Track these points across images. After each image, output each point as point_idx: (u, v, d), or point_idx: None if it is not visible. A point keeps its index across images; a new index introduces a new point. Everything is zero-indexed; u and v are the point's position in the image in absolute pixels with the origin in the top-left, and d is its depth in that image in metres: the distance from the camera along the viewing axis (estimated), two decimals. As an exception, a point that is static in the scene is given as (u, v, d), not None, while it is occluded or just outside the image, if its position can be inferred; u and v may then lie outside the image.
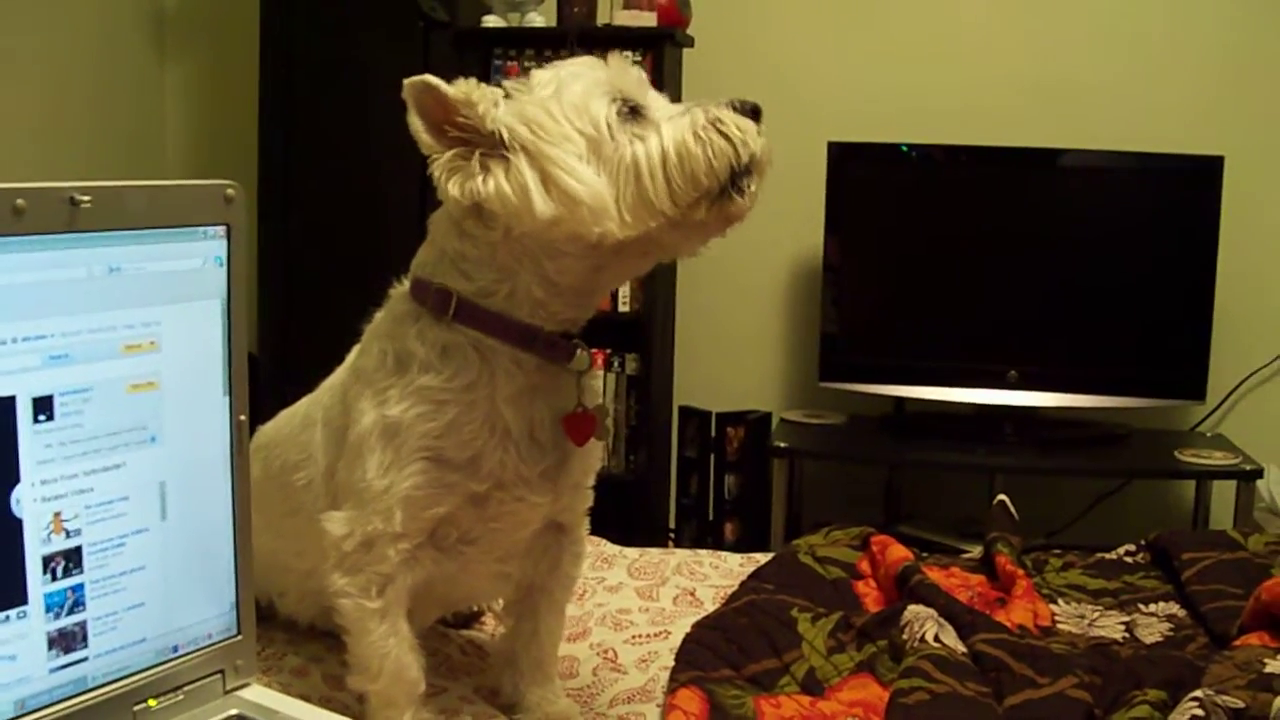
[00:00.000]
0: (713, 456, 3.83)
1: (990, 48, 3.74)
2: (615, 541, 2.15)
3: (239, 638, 1.20)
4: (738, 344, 3.97)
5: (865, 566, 2.02)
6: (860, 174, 3.59)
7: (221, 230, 1.12)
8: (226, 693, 1.18)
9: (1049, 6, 3.71)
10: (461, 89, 1.24)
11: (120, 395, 1.06)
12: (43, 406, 1.00)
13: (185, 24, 4.14)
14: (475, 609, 1.79)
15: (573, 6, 3.60)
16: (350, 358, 1.43)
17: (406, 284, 1.37)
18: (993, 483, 3.44)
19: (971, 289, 3.60)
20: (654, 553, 2.12)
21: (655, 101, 1.30)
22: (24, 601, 1.00)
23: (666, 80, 3.40)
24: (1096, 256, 3.52)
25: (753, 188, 1.28)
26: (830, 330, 3.64)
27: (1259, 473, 3.29)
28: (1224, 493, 3.41)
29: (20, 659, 1.01)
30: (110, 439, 1.06)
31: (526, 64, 3.58)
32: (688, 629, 1.71)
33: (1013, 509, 2.17)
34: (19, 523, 0.99)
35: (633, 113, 1.27)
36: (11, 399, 0.98)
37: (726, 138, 1.25)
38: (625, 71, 1.30)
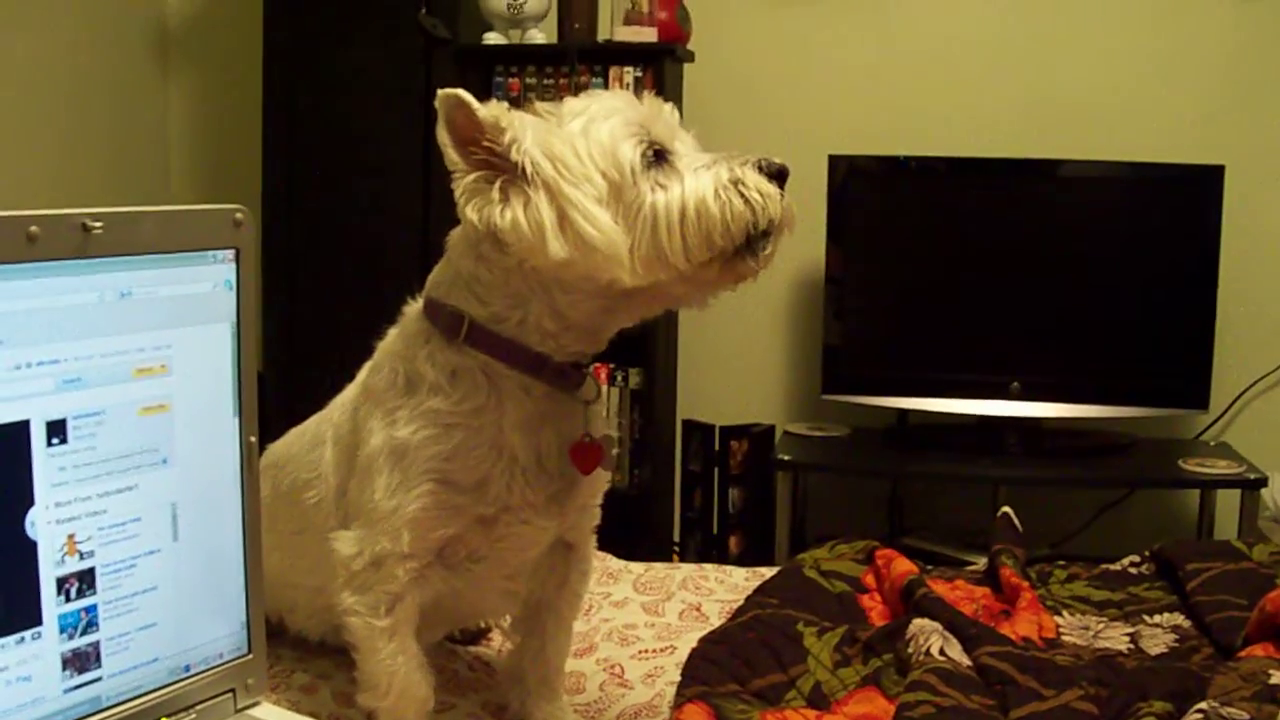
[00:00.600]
0: (716, 470, 3.83)
1: (991, 59, 3.75)
2: (619, 556, 2.16)
3: (250, 657, 1.21)
4: (741, 357, 3.98)
5: (870, 580, 2.02)
6: (862, 187, 3.61)
7: (231, 254, 1.14)
8: (238, 711, 1.19)
9: (1049, 18, 3.72)
10: (492, 112, 1.23)
11: (132, 418, 1.07)
12: (56, 430, 1.01)
13: (189, 41, 4.17)
14: (482, 625, 1.80)
15: (573, 23, 3.62)
16: (362, 375, 1.44)
17: (420, 302, 1.38)
18: (996, 494, 3.45)
19: (974, 300, 3.61)
20: (659, 568, 2.13)
21: (683, 148, 1.28)
22: (38, 622, 1.02)
23: (667, 97, 3.41)
24: (1098, 267, 3.53)
25: (768, 250, 1.27)
26: (833, 343, 3.65)
27: (1263, 481, 3.30)
28: (1228, 502, 3.42)
29: (35, 680, 1.02)
30: (122, 461, 1.07)
31: (528, 80, 3.60)
32: (694, 644, 1.71)
33: (1017, 521, 2.17)
34: (34, 545, 1.00)
35: (658, 157, 1.26)
36: (25, 423, 0.99)
37: (746, 201, 1.24)
38: (658, 113, 1.29)
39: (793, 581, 1.99)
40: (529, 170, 1.22)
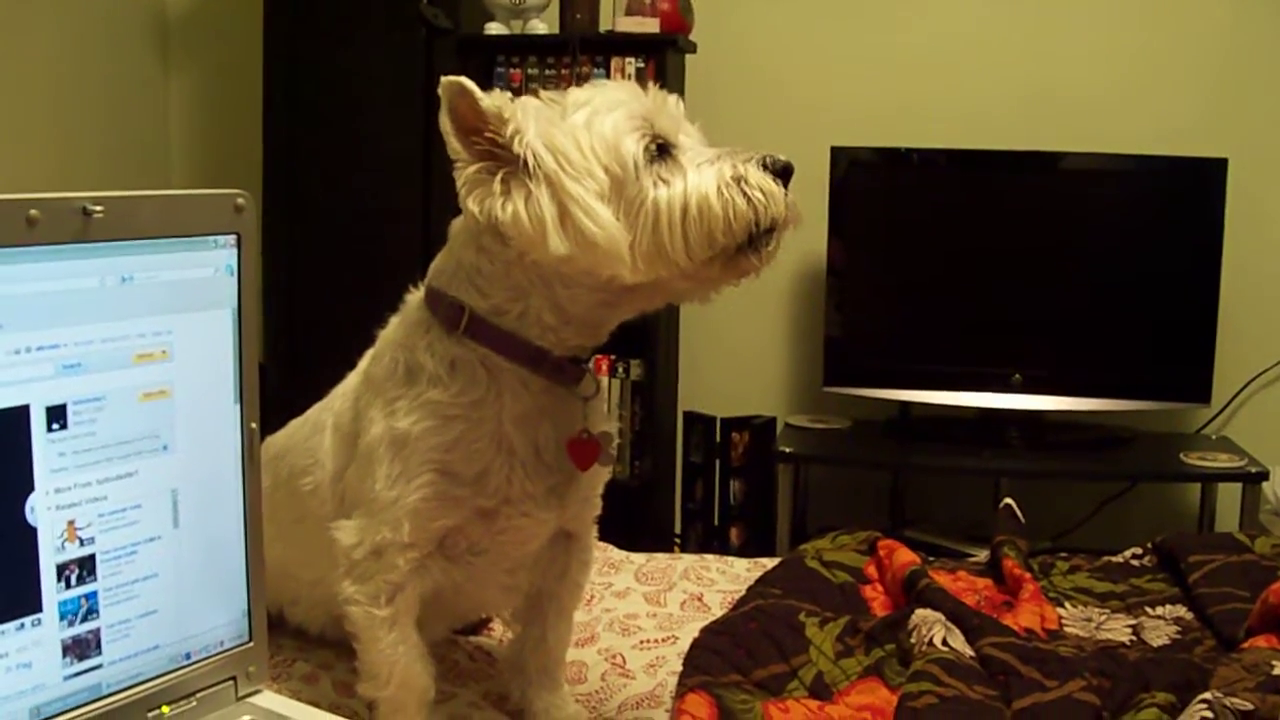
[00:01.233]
0: (718, 462, 3.83)
1: (993, 51, 3.74)
2: (620, 547, 2.15)
3: (251, 644, 1.21)
4: (742, 349, 3.98)
5: (872, 571, 2.02)
6: (864, 178, 3.60)
7: (232, 239, 1.13)
8: (239, 699, 1.19)
9: (1052, 10, 3.71)
10: (495, 102, 1.22)
11: (132, 404, 1.07)
12: (56, 415, 1.00)
13: (189, 32, 4.16)
14: (483, 615, 1.80)
15: (575, 13, 3.61)
16: (363, 363, 1.43)
17: (422, 290, 1.37)
18: (997, 486, 3.44)
19: (976, 293, 3.60)
20: (661, 558, 2.13)
21: (688, 141, 1.27)
22: (38, 609, 1.01)
23: (669, 88, 3.41)
24: (1101, 260, 3.53)
25: (771, 246, 1.27)
26: (834, 335, 3.65)
27: (1264, 475, 3.29)
28: (1229, 495, 3.41)
29: (35, 666, 1.01)
30: (123, 447, 1.06)
31: (530, 70, 3.60)
32: (695, 634, 1.71)
33: (1019, 512, 2.17)
34: (33, 531, 1.00)
35: (662, 151, 1.25)
36: (25, 408, 0.98)
37: (749, 199, 1.23)
38: (663, 106, 1.28)
39: (795, 572, 1.99)
40: (531, 163, 1.21)
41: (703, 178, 1.24)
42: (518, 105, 1.24)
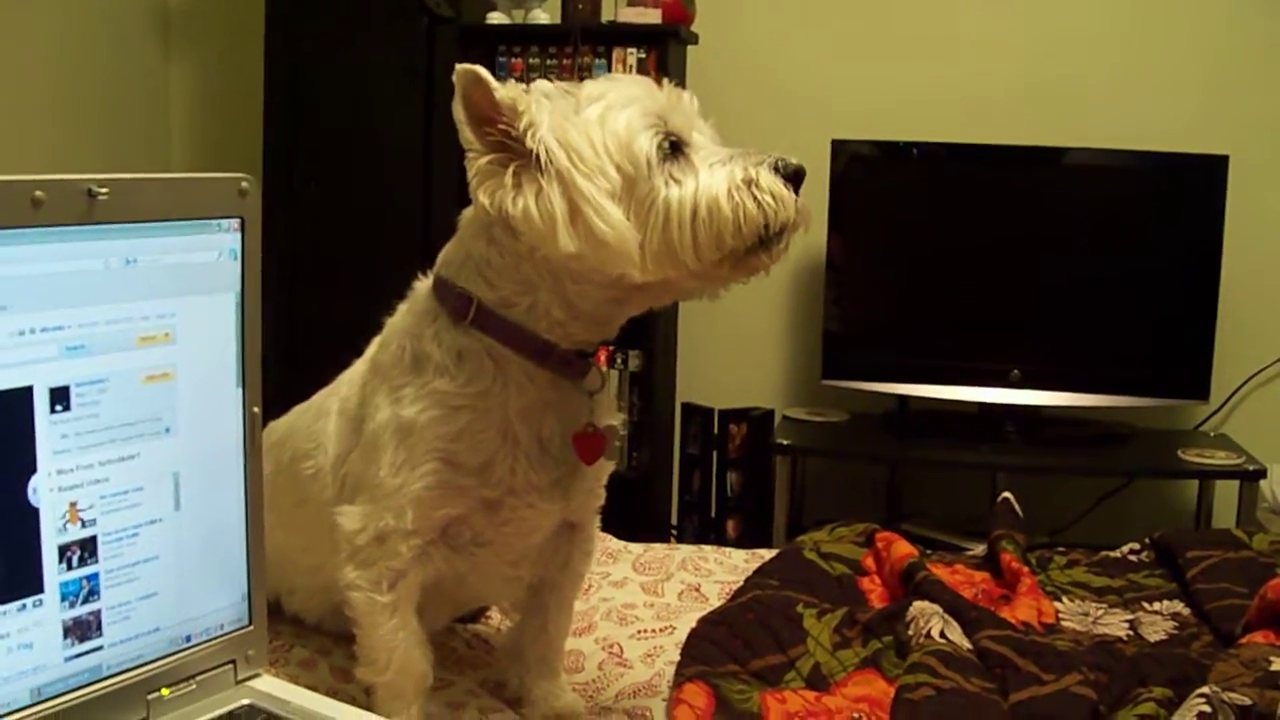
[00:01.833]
0: (715, 453, 3.83)
1: (994, 45, 3.74)
2: (617, 537, 2.16)
3: (250, 628, 1.21)
4: (741, 341, 3.98)
5: (870, 563, 2.02)
6: (864, 172, 3.60)
7: (236, 223, 1.13)
8: (238, 683, 1.19)
9: (1053, 4, 3.71)
10: (510, 94, 1.22)
11: (135, 386, 1.07)
12: (59, 397, 1.00)
13: (190, 21, 4.15)
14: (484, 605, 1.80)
15: (577, 3, 3.61)
16: (370, 349, 1.43)
17: (430, 279, 1.37)
18: (995, 481, 3.45)
19: (975, 287, 3.60)
20: (659, 548, 2.13)
21: (701, 140, 1.27)
22: (40, 590, 1.01)
23: (671, 79, 3.41)
24: (1100, 255, 3.52)
25: (782, 245, 1.26)
26: (833, 328, 3.65)
27: (1262, 473, 3.30)
28: (1227, 493, 3.42)
29: (36, 647, 1.01)
30: (125, 429, 1.06)
31: (531, 60, 3.59)
32: (693, 624, 1.71)
33: (1017, 506, 2.17)
34: (36, 512, 1.00)
35: (675, 150, 1.24)
36: (29, 389, 0.98)
37: (759, 203, 1.23)
38: (677, 103, 1.28)
39: (792, 563, 1.99)
40: (543, 158, 1.21)
41: (714, 179, 1.23)
42: (532, 96, 1.23)
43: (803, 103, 3.81)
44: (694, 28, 3.67)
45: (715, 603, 1.87)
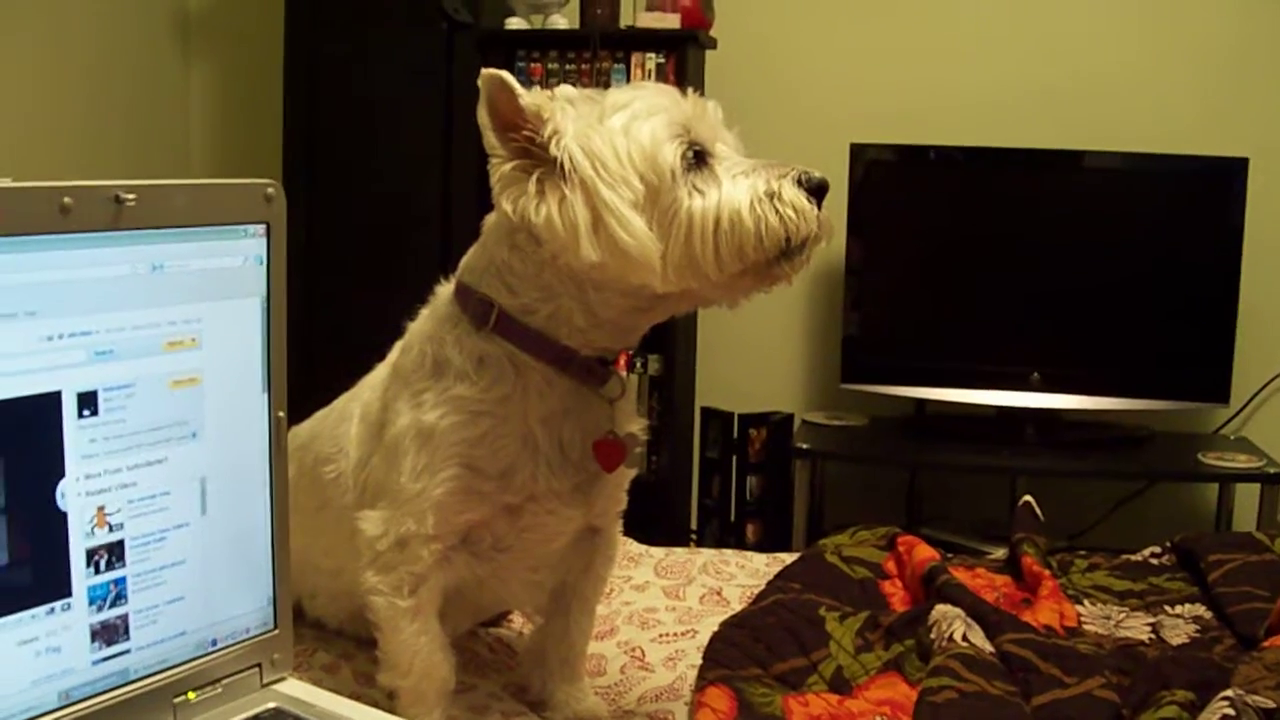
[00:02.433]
0: (735, 458, 3.83)
1: (1012, 48, 3.74)
2: (638, 542, 2.16)
3: (276, 632, 1.21)
4: (760, 345, 3.98)
5: (891, 566, 2.02)
6: (882, 175, 3.60)
7: (262, 229, 1.13)
8: (264, 686, 1.19)
9: (1072, 8, 3.70)
10: (535, 100, 1.22)
11: (163, 391, 1.07)
12: (87, 402, 1.01)
13: (210, 26, 4.17)
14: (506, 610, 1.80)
15: (596, 9, 3.61)
16: (393, 354, 1.44)
17: (452, 283, 1.37)
18: (1014, 485, 3.44)
19: (993, 291, 3.60)
20: (680, 552, 2.13)
21: (725, 150, 1.27)
22: (68, 594, 1.02)
23: (689, 84, 3.41)
24: (1120, 258, 3.52)
25: (803, 257, 1.26)
26: (852, 332, 3.65)
27: (1283, 476, 3.29)
28: (1247, 496, 3.41)
29: (64, 651, 1.02)
30: (152, 434, 1.07)
31: (550, 65, 3.60)
32: (715, 628, 1.71)
33: (1038, 510, 2.17)
34: (64, 516, 1.01)
35: (699, 160, 1.24)
36: (57, 394, 0.99)
37: (780, 216, 1.23)
38: (703, 113, 1.27)
39: (814, 567, 1.99)
40: (567, 166, 1.21)
41: (737, 190, 1.23)
42: (557, 103, 1.23)
43: (821, 106, 3.81)
44: (712, 32, 3.67)
45: (737, 606, 1.87)
